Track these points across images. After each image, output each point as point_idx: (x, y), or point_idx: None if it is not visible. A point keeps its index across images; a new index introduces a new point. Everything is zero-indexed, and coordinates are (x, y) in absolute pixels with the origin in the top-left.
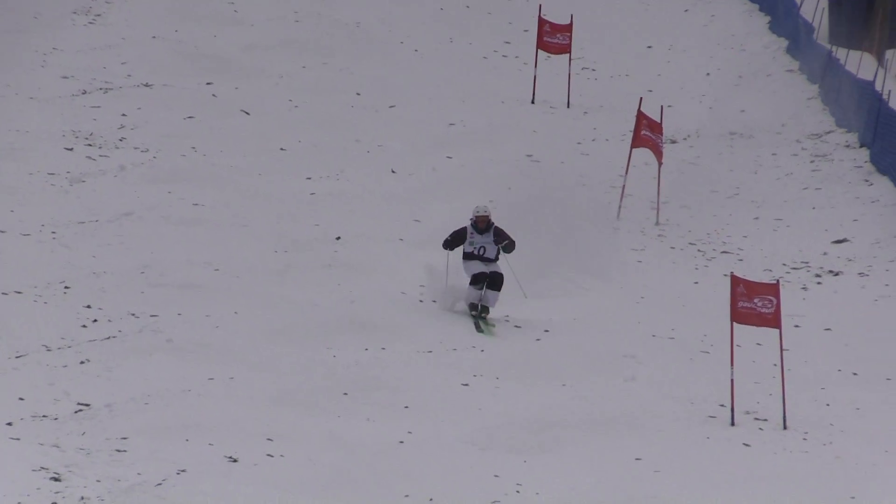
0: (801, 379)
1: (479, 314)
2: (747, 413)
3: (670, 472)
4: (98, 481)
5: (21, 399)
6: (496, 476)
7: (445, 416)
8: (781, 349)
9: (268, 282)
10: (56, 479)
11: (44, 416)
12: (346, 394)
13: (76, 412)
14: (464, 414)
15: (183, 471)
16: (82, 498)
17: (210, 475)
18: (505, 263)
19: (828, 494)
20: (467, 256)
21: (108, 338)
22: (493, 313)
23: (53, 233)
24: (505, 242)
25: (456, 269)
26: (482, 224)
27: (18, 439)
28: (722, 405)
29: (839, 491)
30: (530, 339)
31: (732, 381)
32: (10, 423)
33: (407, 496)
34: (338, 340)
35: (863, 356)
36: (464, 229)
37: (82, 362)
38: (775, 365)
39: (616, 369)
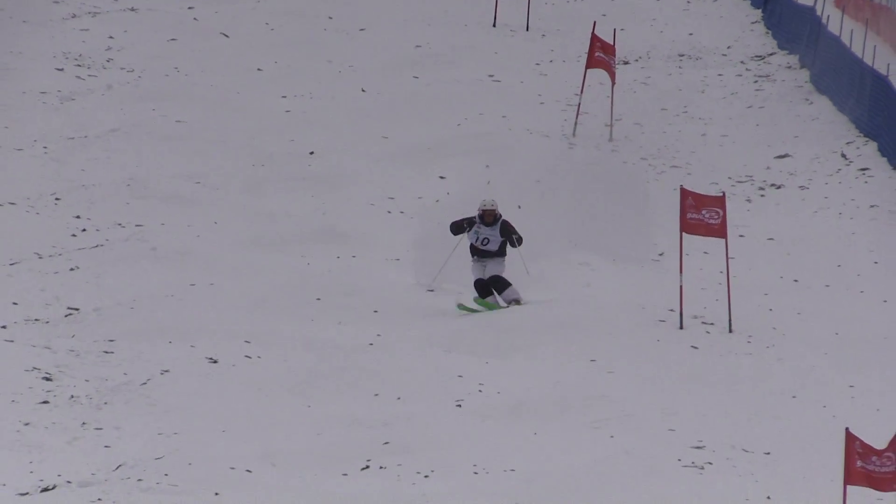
0: (745, 286)
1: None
2: (695, 317)
3: (623, 373)
4: (87, 381)
5: (14, 304)
6: (460, 376)
7: (412, 321)
8: (727, 258)
9: (245, 194)
10: (47, 379)
11: (36, 319)
12: (318, 299)
13: (66, 316)
14: (429, 318)
15: (166, 371)
16: (72, 396)
17: (192, 375)
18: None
19: (770, 394)
20: (471, 250)
21: (97, 246)
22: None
23: (45, 148)
24: (513, 237)
25: (457, 257)
26: (489, 218)
27: (12, 341)
28: (671, 310)
29: (781, 390)
30: None
31: (681, 287)
32: (4, 327)
33: (376, 395)
34: (311, 249)
35: (803, 264)
36: (472, 218)
37: (72, 269)
38: (721, 272)
39: (572, 277)
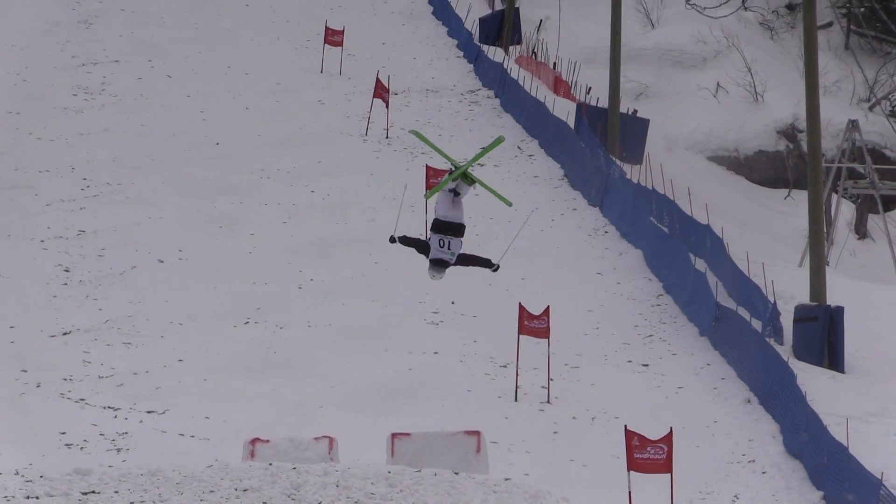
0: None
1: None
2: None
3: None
4: (89, 272)
5: (48, 227)
6: (309, 278)
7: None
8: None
9: (180, 166)
10: (66, 271)
11: (60, 236)
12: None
13: (77, 235)
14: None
15: (134, 267)
16: (80, 280)
17: (149, 270)
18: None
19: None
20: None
21: (95, 196)
22: None
23: (66, 140)
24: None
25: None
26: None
27: (47, 249)
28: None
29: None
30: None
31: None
32: (42, 241)
33: (254, 283)
34: (216, 196)
35: (498, 210)
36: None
37: (82, 208)
38: None
39: None
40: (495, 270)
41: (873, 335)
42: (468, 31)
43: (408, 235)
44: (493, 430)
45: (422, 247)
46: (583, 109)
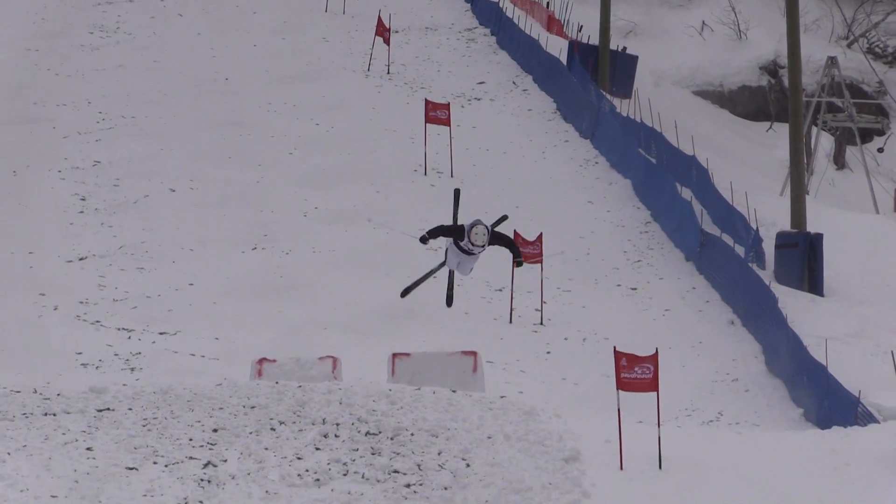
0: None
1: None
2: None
3: None
4: (104, 200)
5: (65, 158)
6: (312, 205)
7: None
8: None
9: (193, 100)
10: (83, 199)
11: (76, 167)
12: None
13: (93, 165)
14: None
15: (147, 196)
16: (96, 209)
17: (159, 198)
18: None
19: None
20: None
21: (111, 128)
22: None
23: (89, 103)
24: (510, 249)
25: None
26: (478, 245)
27: (64, 179)
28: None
29: None
30: None
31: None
32: (59, 171)
33: (261, 210)
34: (223, 129)
35: (490, 137)
36: (461, 231)
37: (97, 140)
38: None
39: None
40: (519, 265)
41: (851, 260)
42: None
43: (436, 228)
44: (489, 350)
45: (450, 231)
46: (574, 47)
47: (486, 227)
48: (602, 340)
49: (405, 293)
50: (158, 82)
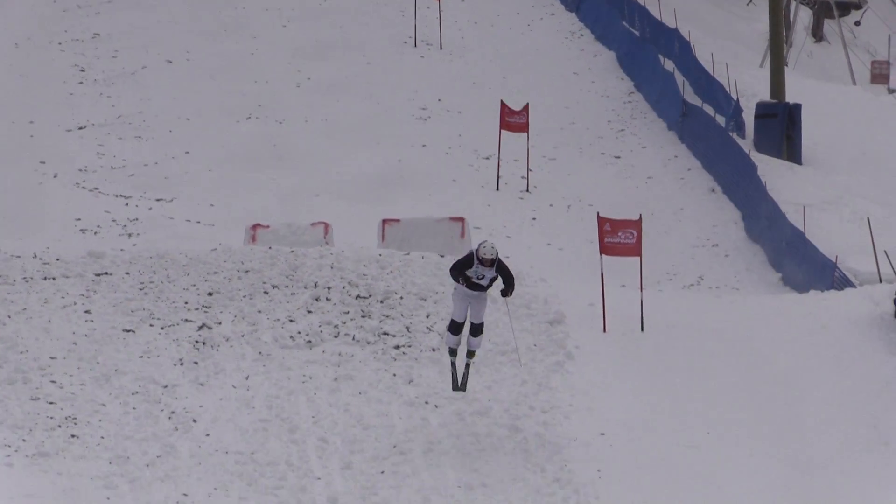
0: None
1: (456, 369)
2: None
3: None
4: (103, 71)
5: (81, 79)
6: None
7: None
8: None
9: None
10: (82, 71)
11: (95, 80)
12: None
13: (93, 38)
14: None
15: (145, 67)
16: (95, 80)
17: (154, 73)
18: (509, 328)
19: None
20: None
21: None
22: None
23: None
24: (505, 280)
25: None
26: (487, 263)
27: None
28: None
29: None
30: None
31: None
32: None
33: (254, 80)
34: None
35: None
36: (470, 257)
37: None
38: None
39: None
40: (504, 295)
41: (828, 130)
42: None
43: (452, 267)
44: (477, 216)
45: (463, 263)
46: None
47: (493, 244)
48: (586, 207)
49: (458, 389)
50: None
